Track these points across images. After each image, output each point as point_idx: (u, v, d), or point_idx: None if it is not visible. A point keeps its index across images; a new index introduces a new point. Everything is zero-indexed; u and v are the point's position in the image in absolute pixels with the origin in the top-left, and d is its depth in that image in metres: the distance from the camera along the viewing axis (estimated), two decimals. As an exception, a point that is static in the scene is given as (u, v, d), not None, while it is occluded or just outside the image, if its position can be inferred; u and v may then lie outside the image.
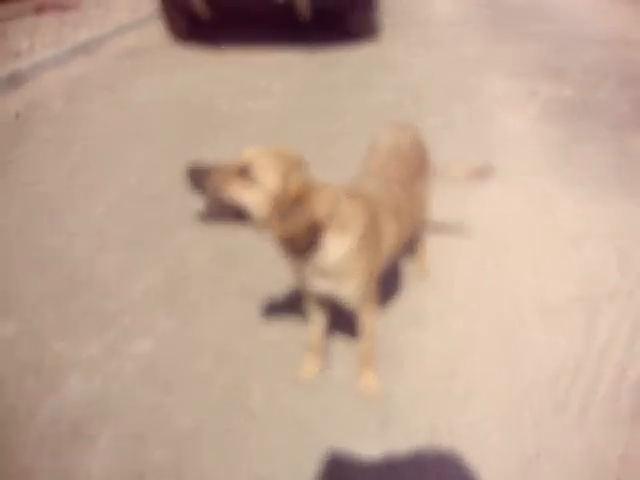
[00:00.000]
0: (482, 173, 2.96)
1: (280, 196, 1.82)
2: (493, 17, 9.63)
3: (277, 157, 1.87)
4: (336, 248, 2.01)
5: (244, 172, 1.82)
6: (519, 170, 4.32)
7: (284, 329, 2.83)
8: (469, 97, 5.91)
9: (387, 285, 3.01)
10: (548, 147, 4.75)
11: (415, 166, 2.64)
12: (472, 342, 2.73)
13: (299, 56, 7.51)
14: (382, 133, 2.76)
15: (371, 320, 2.36)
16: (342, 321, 2.76)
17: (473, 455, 2.18)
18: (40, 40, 7.64)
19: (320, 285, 2.14)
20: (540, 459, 2.16)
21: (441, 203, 3.52)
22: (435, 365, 2.60)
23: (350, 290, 2.15)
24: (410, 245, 3.15)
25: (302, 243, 1.95)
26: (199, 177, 1.82)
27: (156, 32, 8.77)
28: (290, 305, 2.97)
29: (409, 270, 3.22)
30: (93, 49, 7.80)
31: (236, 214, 1.88)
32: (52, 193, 4.13)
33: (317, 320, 2.50)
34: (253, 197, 1.84)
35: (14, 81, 6.35)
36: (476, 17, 9.68)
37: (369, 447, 2.23)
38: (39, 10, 9.50)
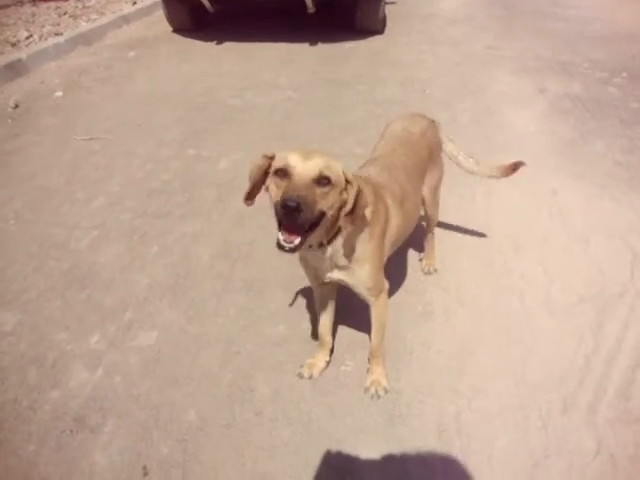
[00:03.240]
0: (508, 170, 3.01)
1: (358, 190, 1.86)
2: (500, 14, 9.55)
3: (330, 156, 1.87)
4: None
5: (320, 181, 1.77)
6: (528, 167, 4.25)
7: (289, 325, 2.80)
8: (476, 93, 5.86)
9: (395, 281, 2.98)
10: (557, 144, 4.70)
11: (424, 156, 2.62)
12: (480, 340, 2.70)
13: (304, 50, 7.45)
14: (394, 121, 2.75)
15: (383, 311, 2.34)
16: (349, 317, 2.74)
17: (481, 455, 2.16)
18: (39, 30, 7.59)
19: (335, 274, 2.15)
20: (548, 460, 2.13)
21: (450, 200, 3.49)
22: (443, 363, 2.57)
23: (363, 276, 2.15)
24: (419, 242, 3.12)
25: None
26: (294, 209, 1.67)
27: (158, 23, 8.69)
28: (295, 301, 2.94)
29: (417, 266, 3.18)
30: (93, 39, 7.72)
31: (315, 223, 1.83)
32: (53, 185, 4.10)
33: (325, 311, 2.47)
34: (337, 199, 1.83)
35: (13, 71, 6.30)
36: (483, 14, 9.60)
37: (376, 444, 2.20)
38: (37, -1, 9.40)
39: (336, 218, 1.89)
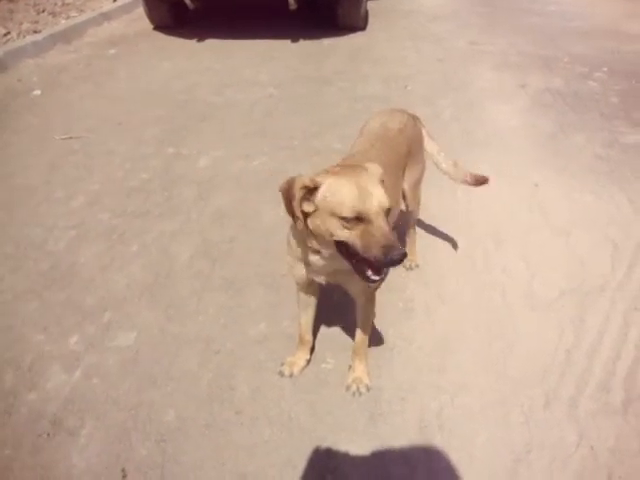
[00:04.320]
0: (478, 181, 2.95)
1: None
2: (482, 11, 9.58)
3: (376, 176, 1.93)
4: None
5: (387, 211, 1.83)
6: (509, 161, 4.28)
7: (270, 323, 2.77)
8: (458, 89, 5.86)
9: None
10: (538, 138, 4.71)
11: (403, 152, 2.60)
12: (461, 336, 2.69)
13: (286, 47, 7.41)
14: (373, 117, 2.74)
15: (372, 311, 2.35)
16: (331, 316, 2.72)
17: (463, 451, 2.15)
18: (17, 27, 7.45)
19: (337, 278, 2.17)
20: (530, 455, 2.13)
21: (431, 195, 3.48)
22: (424, 359, 2.56)
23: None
24: (400, 237, 3.10)
25: None
26: (400, 261, 1.77)
27: (138, 20, 8.58)
28: (275, 299, 2.92)
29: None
30: (73, 37, 7.60)
31: None
32: (31, 185, 4.03)
33: (307, 311, 2.45)
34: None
35: (-10, 68, 6.17)
36: (464, 11, 9.63)
37: (357, 442, 2.19)
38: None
39: None
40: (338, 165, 2.06)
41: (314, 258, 2.05)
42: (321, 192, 1.83)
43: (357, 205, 1.77)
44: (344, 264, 1.96)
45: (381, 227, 1.77)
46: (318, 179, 1.84)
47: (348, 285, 2.23)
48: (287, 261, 2.24)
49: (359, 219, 1.78)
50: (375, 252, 1.75)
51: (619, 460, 2.11)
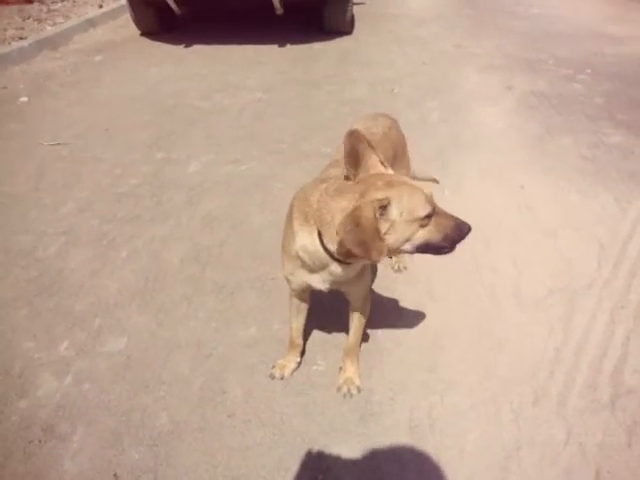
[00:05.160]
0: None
1: None
2: (468, 14, 9.67)
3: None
4: None
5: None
6: (496, 163, 4.32)
7: (261, 326, 2.78)
8: (445, 92, 5.91)
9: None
10: (525, 140, 4.76)
11: (388, 156, 2.59)
12: (451, 336, 2.72)
13: (273, 51, 7.44)
14: (357, 122, 2.73)
15: (366, 314, 2.37)
16: (321, 318, 2.73)
17: (454, 449, 2.17)
18: (1, 34, 7.43)
19: (341, 286, 2.17)
20: (520, 452, 2.15)
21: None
22: (414, 359, 2.58)
23: (363, 286, 2.26)
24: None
25: None
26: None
27: (125, 26, 8.58)
28: (265, 303, 2.93)
29: (387, 263, 3.19)
30: (59, 43, 7.58)
31: None
32: (19, 192, 4.02)
33: (298, 316, 2.45)
34: None
35: (-25, 75, 6.15)
36: (449, 14, 9.71)
37: (349, 443, 2.20)
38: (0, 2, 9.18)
39: None
40: (360, 181, 1.93)
41: (336, 269, 1.99)
42: (394, 205, 1.76)
43: (428, 200, 1.83)
44: (357, 270, 2.06)
45: (444, 211, 1.89)
46: (384, 196, 1.76)
47: (350, 290, 2.23)
48: (286, 268, 2.18)
49: (430, 214, 1.83)
50: (452, 234, 1.88)
51: (607, 455, 2.14)
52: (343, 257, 1.92)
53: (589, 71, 6.48)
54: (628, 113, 5.28)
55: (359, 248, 1.71)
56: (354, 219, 1.70)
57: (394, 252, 1.99)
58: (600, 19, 9.15)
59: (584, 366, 2.53)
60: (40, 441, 2.23)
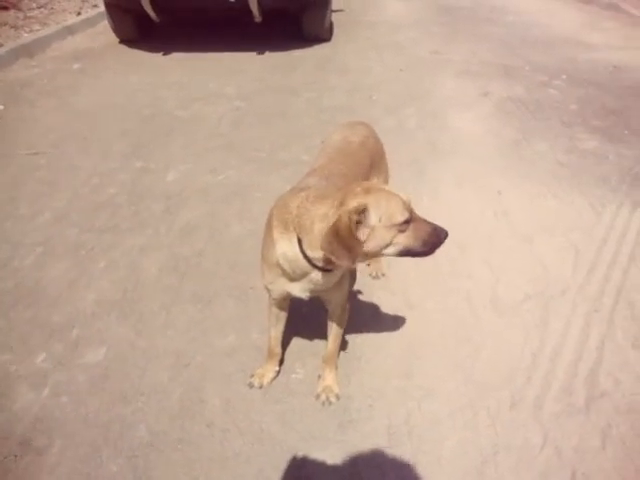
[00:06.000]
0: None
1: None
2: (444, 21, 9.77)
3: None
4: None
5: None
6: (473, 169, 4.37)
7: (239, 335, 2.78)
8: (422, 98, 5.96)
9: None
10: (501, 145, 4.82)
11: (365, 164, 2.62)
12: (428, 342, 2.74)
13: (252, 59, 7.45)
14: (335, 131, 2.76)
15: (344, 321, 2.39)
16: (300, 326, 2.74)
17: (432, 455, 2.18)
18: (-24, 40, 7.36)
19: (321, 293, 2.21)
20: (497, 456, 2.18)
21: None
22: (392, 366, 2.60)
23: (342, 294, 2.29)
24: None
25: None
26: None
27: (103, 34, 8.53)
28: (244, 311, 2.93)
29: (365, 271, 3.21)
30: (36, 51, 7.49)
31: None
32: (-5, 202, 3.98)
33: (277, 325, 2.46)
34: None
35: (-50, 83, 6.06)
36: (426, 20, 9.80)
37: (328, 450, 2.21)
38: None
39: None
40: (340, 189, 2.03)
41: (317, 277, 2.03)
42: (372, 212, 1.81)
43: (405, 207, 1.87)
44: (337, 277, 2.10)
45: (421, 218, 1.94)
46: (360, 202, 1.82)
47: (330, 298, 2.27)
48: (266, 278, 2.20)
49: (408, 220, 1.87)
50: (431, 240, 1.93)
51: (582, 458, 2.17)
52: (324, 264, 1.95)
53: (564, 77, 6.58)
54: (602, 119, 5.37)
55: (337, 254, 1.79)
56: (334, 228, 1.79)
57: (374, 256, 2.04)
58: (575, 27, 9.29)
59: (560, 370, 2.56)
60: (16, 456, 2.21)
